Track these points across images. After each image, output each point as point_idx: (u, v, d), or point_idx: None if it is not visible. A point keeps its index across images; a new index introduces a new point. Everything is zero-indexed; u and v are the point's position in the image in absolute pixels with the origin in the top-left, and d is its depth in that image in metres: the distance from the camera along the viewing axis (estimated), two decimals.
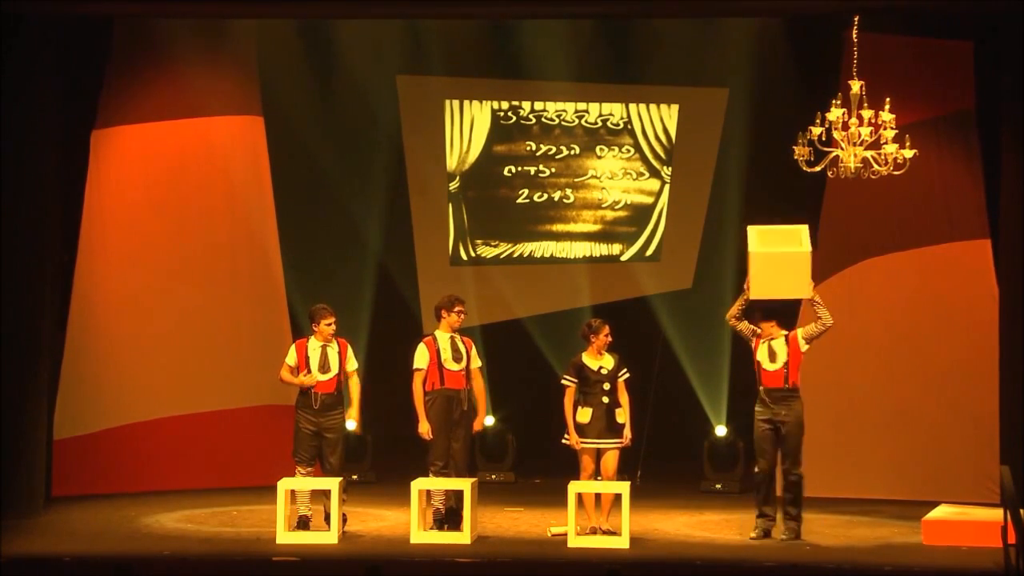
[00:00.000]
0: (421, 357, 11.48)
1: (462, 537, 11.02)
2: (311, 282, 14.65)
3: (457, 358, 11.47)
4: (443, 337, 11.51)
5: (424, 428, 11.31)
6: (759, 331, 11.52)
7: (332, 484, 11.12)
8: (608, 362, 11.36)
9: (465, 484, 11.11)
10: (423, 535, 11.06)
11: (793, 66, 14.27)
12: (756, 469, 11.47)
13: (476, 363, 11.62)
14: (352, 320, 14.65)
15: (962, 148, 13.56)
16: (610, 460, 11.28)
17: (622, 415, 11.32)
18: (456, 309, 11.55)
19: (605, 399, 11.29)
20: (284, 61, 14.56)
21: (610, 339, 11.38)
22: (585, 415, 11.30)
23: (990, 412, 12.95)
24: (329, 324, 11.58)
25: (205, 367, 13.95)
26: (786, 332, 11.50)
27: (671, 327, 14.66)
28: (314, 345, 11.61)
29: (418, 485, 11.09)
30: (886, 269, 13.82)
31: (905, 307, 13.78)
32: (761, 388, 11.49)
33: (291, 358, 11.65)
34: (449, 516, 11.33)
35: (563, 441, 11.35)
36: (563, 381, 11.40)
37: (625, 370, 11.42)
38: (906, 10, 13.05)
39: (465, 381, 11.50)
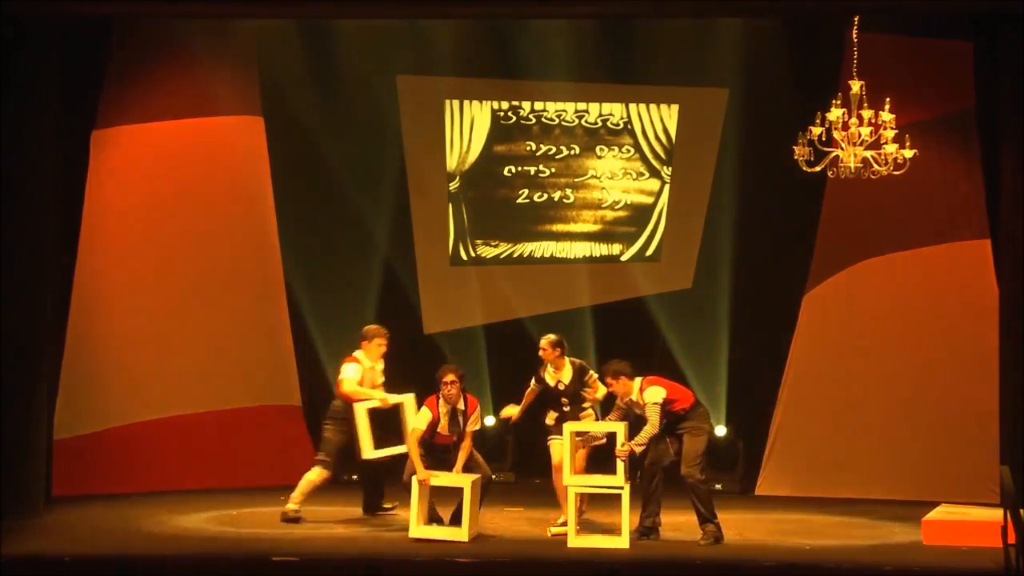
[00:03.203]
0: (422, 418, 11.43)
1: (460, 534, 11.02)
2: (311, 282, 14.67)
3: (454, 431, 11.48)
4: (445, 408, 11.47)
5: (424, 475, 11.25)
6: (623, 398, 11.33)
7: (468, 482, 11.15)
8: (566, 376, 11.69)
9: (465, 481, 11.11)
10: (421, 529, 11.06)
11: (793, 66, 14.27)
12: (704, 477, 11.28)
13: (474, 426, 11.56)
14: (353, 320, 14.65)
15: (962, 148, 13.57)
16: (578, 457, 11.51)
17: (589, 416, 11.78)
18: (444, 380, 11.42)
19: (566, 408, 11.70)
20: (284, 61, 14.56)
21: (547, 352, 11.63)
22: (551, 418, 11.76)
23: (990, 412, 12.97)
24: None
25: (205, 367, 13.95)
26: (640, 381, 11.26)
27: (671, 327, 14.66)
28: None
29: (417, 476, 11.12)
30: (886, 269, 13.83)
31: (905, 307, 13.79)
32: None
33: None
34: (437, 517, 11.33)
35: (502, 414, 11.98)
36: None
37: (592, 373, 11.72)
38: (906, 10, 13.05)
39: (454, 439, 11.52)
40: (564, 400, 11.70)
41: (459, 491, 11.16)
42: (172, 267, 13.92)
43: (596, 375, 11.82)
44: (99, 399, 13.56)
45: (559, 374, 11.69)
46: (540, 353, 11.73)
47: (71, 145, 13.28)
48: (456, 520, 11.22)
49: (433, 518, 11.35)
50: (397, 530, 11.60)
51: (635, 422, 11.26)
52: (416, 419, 11.44)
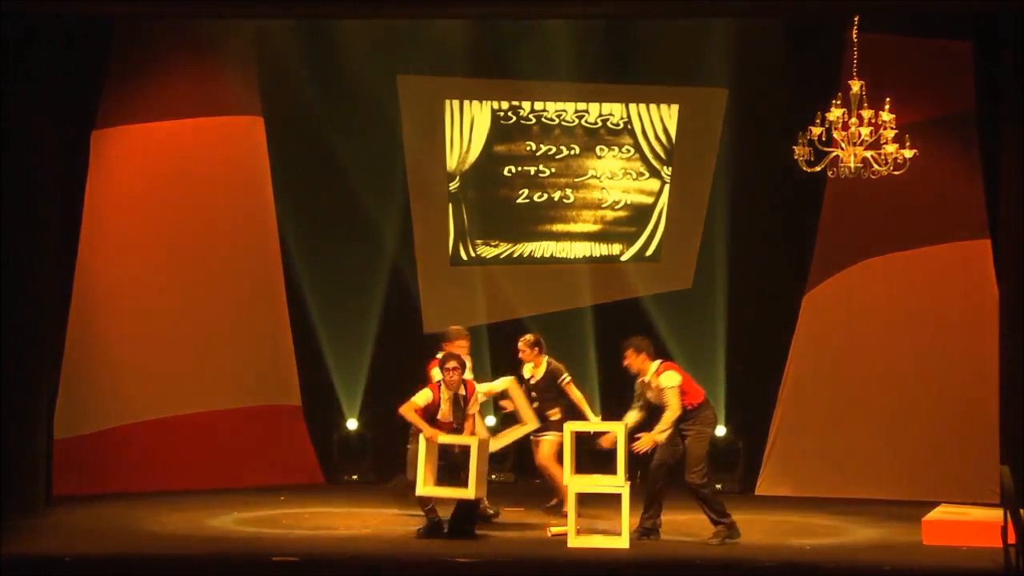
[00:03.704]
0: (422, 396, 11.38)
1: (466, 492, 11.01)
2: (312, 282, 14.67)
3: (456, 416, 11.45)
4: (447, 394, 11.45)
5: (430, 431, 11.23)
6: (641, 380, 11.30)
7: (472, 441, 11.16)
8: (540, 372, 12.20)
9: (472, 440, 11.09)
10: (428, 489, 11.05)
11: (793, 66, 14.26)
12: (705, 481, 11.22)
13: (474, 408, 11.56)
14: (355, 320, 14.67)
15: (962, 148, 13.57)
16: (544, 448, 12.17)
17: (555, 413, 12.09)
18: (446, 366, 11.43)
19: (535, 405, 12.21)
20: (284, 61, 14.56)
21: (525, 353, 12.19)
22: None
23: (990, 412, 12.97)
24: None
25: (205, 367, 13.96)
26: (659, 363, 11.18)
27: (671, 327, 14.66)
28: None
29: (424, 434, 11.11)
30: (886, 269, 13.83)
31: (905, 307, 13.79)
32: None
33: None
34: (435, 529, 11.27)
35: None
36: None
37: (565, 376, 12.16)
38: (906, 10, 13.05)
39: (454, 425, 11.48)
40: (534, 394, 12.21)
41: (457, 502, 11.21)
42: (172, 267, 13.93)
43: (569, 379, 12.19)
44: (99, 399, 13.56)
45: (536, 370, 12.22)
46: (519, 354, 12.20)
47: (71, 145, 13.27)
48: (457, 527, 11.24)
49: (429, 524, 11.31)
50: (397, 530, 11.60)
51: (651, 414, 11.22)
52: (417, 396, 11.38)
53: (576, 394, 12.19)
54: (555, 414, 12.12)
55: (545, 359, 12.23)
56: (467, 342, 12.23)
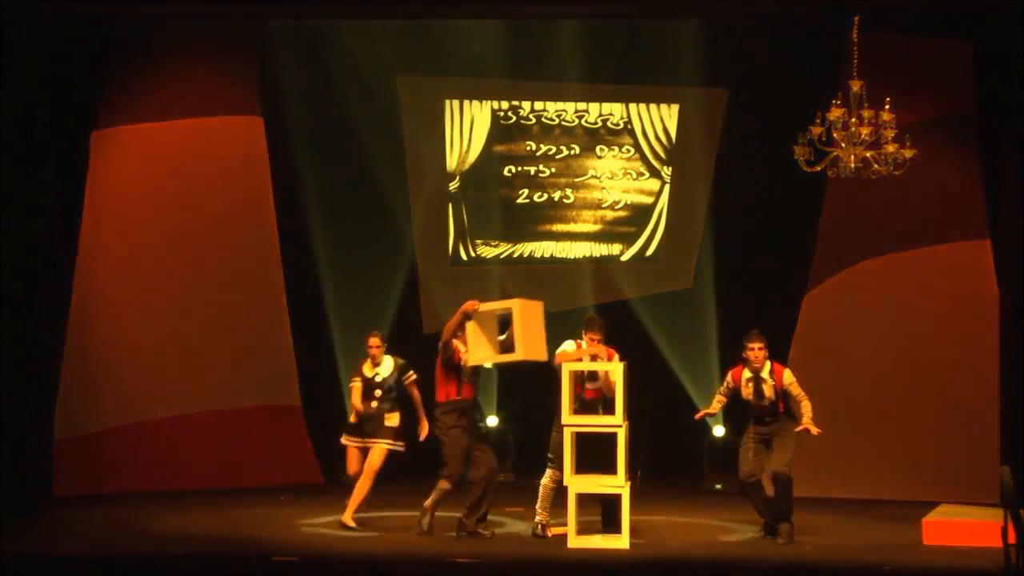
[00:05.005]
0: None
1: (513, 356, 10.97)
2: (311, 283, 14.67)
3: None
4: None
5: (463, 307, 11.08)
6: (745, 358, 11.37)
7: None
8: (385, 371, 11.84)
9: (514, 304, 10.99)
10: (482, 354, 11.08)
11: (793, 66, 14.26)
12: (741, 477, 11.37)
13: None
14: (357, 322, 14.66)
15: (962, 148, 13.58)
16: (374, 454, 11.72)
17: (393, 419, 11.79)
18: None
19: (374, 404, 11.76)
20: (284, 61, 14.58)
21: (376, 349, 11.77)
22: (354, 416, 11.87)
23: (990, 412, 12.97)
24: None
25: (205, 367, 13.96)
26: (771, 363, 11.32)
27: (670, 327, 14.66)
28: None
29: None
30: (886, 269, 13.84)
31: (905, 307, 13.79)
32: (752, 415, 11.42)
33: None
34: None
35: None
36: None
37: (411, 373, 11.89)
38: (906, 10, 13.05)
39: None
40: (377, 393, 11.79)
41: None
42: (172, 267, 13.93)
43: (415, 377, 11.87)
44: (99, 399, 13.57)
45: (377, 369, 11.83)
46: (372, 350, 11.79)
47: (71, 145, 13.28)
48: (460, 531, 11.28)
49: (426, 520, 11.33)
50: (397, 530, 11.60)
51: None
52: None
53: (416, 394, 11.88)
54: (393, 420, 11.82)
55: (389, 357, 11.92)
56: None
